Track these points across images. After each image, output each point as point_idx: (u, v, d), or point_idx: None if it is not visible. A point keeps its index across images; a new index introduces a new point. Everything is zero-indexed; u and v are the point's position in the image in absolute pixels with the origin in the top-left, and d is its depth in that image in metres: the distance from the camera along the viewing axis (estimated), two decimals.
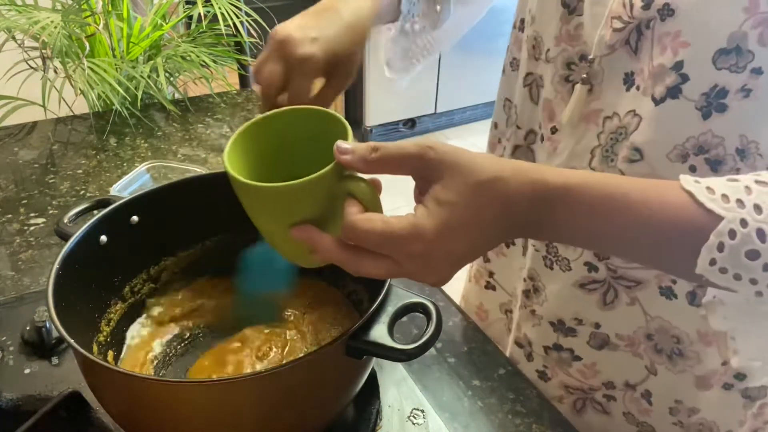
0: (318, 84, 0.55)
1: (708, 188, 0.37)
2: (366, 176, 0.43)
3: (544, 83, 0.61)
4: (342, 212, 0.41)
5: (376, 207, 0.42)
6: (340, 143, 0.41)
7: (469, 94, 3.35)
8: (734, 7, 0.45)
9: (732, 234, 0.35)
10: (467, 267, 0.84)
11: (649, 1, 0.49)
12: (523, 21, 0.66)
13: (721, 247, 0.36)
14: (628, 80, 0.53)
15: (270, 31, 0.54)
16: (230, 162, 0.44)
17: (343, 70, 0.56)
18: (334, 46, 0.52)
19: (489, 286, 0.81)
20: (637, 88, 0.52)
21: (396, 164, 0.40)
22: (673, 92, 0.49)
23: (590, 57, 0.55)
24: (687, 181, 0.38)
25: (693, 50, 0.48)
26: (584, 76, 0.56)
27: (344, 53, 0.54)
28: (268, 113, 0.48)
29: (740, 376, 0.58)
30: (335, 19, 0.54)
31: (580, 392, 0.68)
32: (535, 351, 0.70)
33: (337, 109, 3.21)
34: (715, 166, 0.50)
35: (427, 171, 0.39)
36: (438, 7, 0.70)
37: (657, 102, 0.50)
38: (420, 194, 0.41)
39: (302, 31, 0.51)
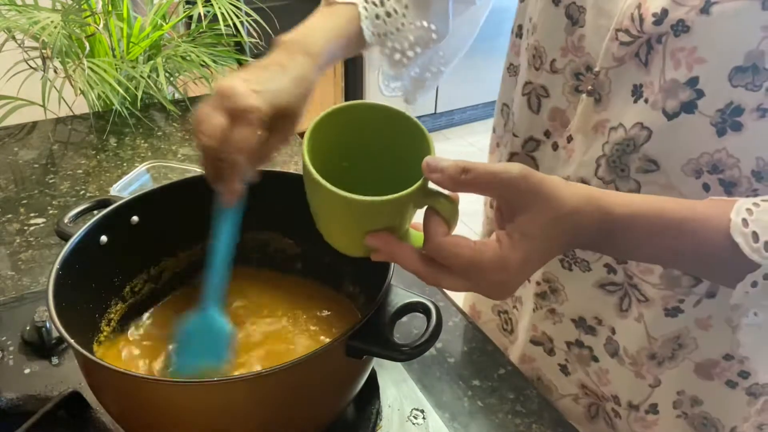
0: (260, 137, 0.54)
1: (754, 234, 0.41)
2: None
3: (551, 93, 0.61)
4: (411, 218, 0.44)
5: (455, 220, 0.45)
6: (431, 160, 0.42)
7: (469, 94, 3.34)
8: (752, 24, 0.44)
9: (766, 276, 0.41)
10: None
11: (661, 17, 0.48)
12: (521, 27, 0.65)
13: (754, 284, 0.41)
14: (637, 92, 0.53)
15: (213, 86, 0.53)
16: (309, 156, 0.44)
17: (286, 124, 0.55)
18: (277, 99, 0.52)
19: None
20: (645, 101, 0.52)
21: (485, 188, 0.43)
22: (688, 107, 0.49)
23: (596, 69, 0.54)
24: (736, 226, 0.42)
25: (709, 67, 0.47)
26: (590, 87, 0.56)
27: (288, 106, 0.54)
28: (348, 103, 0.48)
29: (744, 374, 0.58)
30: (279, 73, 0.54)
31: (594, 397, 0.68)
32: (557, 346, 0.70)
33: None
34: (729, 188, 0.50)
35: (515, 199, 0.42)
36: (426, 23, 0.69)
37: (670, 116, 0.50)
38: (502, 217, 0.44)
39: (246, 83, 0.51)
